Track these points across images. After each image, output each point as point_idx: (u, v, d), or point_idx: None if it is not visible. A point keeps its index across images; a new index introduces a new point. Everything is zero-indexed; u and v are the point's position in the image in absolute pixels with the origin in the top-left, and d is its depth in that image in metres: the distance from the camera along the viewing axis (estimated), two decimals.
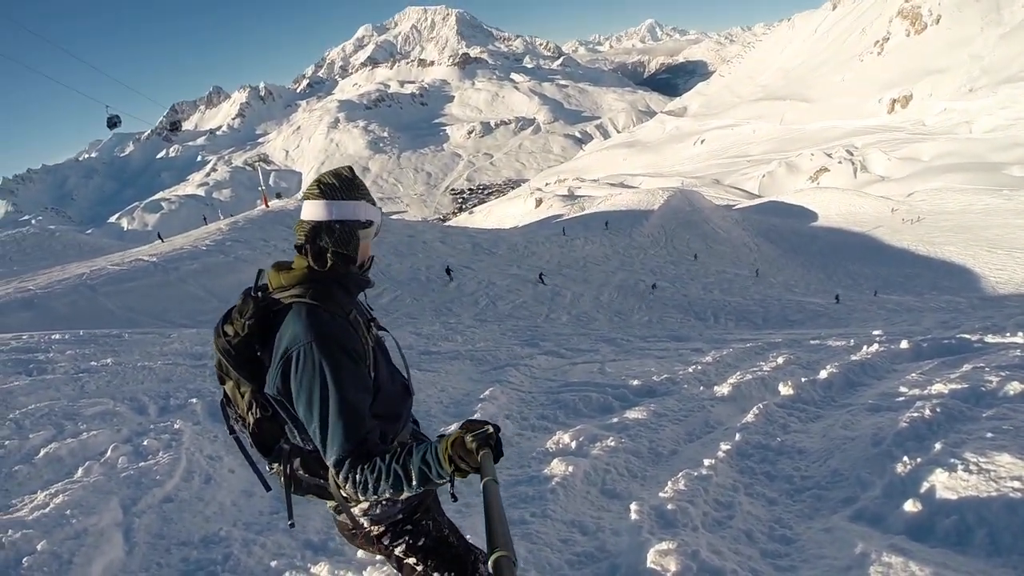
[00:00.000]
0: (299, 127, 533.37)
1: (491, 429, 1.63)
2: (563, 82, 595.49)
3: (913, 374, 6.69)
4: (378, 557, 3.30)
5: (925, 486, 3.45)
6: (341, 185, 1.90)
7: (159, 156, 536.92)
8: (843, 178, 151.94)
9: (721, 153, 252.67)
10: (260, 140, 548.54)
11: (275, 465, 1.99)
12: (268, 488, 2.10)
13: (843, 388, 6.69)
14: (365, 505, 1.96)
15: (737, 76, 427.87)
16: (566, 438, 5.20)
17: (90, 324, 15.85)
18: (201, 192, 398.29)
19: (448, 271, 33.41)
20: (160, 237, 40.74)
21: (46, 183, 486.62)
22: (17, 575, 3.32)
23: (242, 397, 1.94)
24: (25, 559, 3.39)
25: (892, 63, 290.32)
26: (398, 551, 2.02)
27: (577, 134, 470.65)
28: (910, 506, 3.31)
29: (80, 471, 4.70)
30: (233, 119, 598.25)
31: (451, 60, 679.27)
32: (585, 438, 5.15)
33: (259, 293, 1.93)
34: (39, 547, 3.49)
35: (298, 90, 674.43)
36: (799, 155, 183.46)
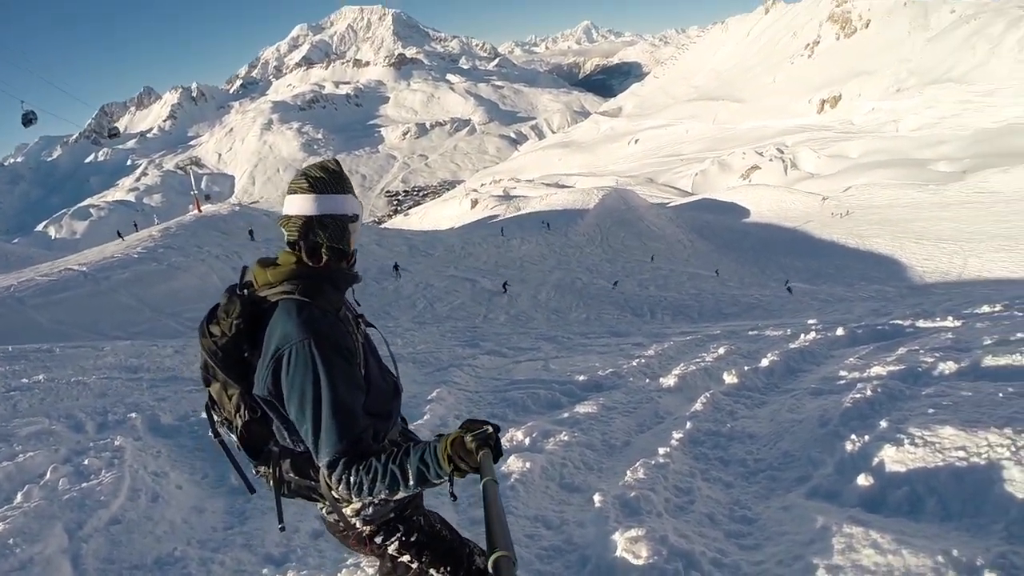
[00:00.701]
0: (232, 129, 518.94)
1: (490, 429, 1.63)
2: (499, 83, 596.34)
3: (851, 359, 6.98)
4: (349, 561, 3.25)
5: (875, 461, 3.59)
6: (330, 178, 1.84)
7: (87, 160, 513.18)
8: (774, 176, 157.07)
9: (655, 152, 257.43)
10: (192, 143, 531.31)
11: (262, 468, 1.93)
12: (252, 491, 2.06)
13: (785, 375, 6.91)
14: (357, 505, 1.91)
15: (671, 77, 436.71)
16: (519, 435, 5.20)
17: (19, 339, 15.20)
18: (131, 198, 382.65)
19: (396, 267, 33.93)
20: (120, 235, 39.40)
21: None
22: None
23: (229, 399, 1.88)
24: None
25: (822, 65, 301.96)
26: (391, 549, 1.99)
27: (512, 135, 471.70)
28: (862, 480, 3.43)
29: (19, 496, 4.44)
30: (164, 121, 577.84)
31: (387, 61, 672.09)
32: (538, 434, 5.16)
33: (245, 291, 1.87)
34: None
35: (231, 91, 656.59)
36: (731, 154, 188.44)
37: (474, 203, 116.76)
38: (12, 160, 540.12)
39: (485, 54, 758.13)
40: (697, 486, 3.91)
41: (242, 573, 3.49)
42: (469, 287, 32.79)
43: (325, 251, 1.82)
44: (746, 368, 6.93)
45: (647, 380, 7.24)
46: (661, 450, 4.44)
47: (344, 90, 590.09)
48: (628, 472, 4.07)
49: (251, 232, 36.90)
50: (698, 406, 5.63)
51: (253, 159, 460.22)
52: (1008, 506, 2.91)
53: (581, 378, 7.48)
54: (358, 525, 1.95)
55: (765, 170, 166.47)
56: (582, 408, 5.94)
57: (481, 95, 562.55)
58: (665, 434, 4.96)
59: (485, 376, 8.34)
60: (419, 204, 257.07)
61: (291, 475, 1.89)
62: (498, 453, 1.62)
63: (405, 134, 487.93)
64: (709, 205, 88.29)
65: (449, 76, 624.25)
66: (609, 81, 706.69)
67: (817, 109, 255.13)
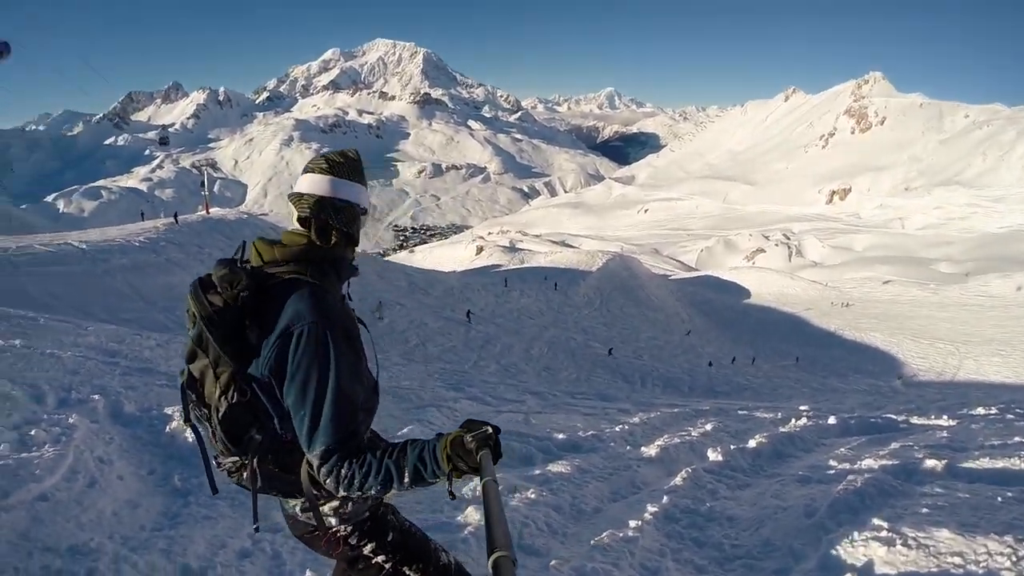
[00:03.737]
0: (252, 139, 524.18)
1: (490, 430, 1.63)
2: (518, 136, 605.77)
3: (842, 449, 6.75)
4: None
5: (862, 560, 3.35)
6: (348, 165, 1.87)
7: (107, 142, 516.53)
8: (778, 260, 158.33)
9: (663, 224, 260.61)
10: (212, 145, 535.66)
11: (229, 461, 1.83)
12: (215, 491, 2.01)
13: (772, 458, 6.66)
14: (335, 503, 1.89)
15: (687, 152, 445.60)
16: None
17: (5, 302, 14.94)
18: (144, 187, 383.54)
19: (380, 306, 33.03)
20: (176, 219, 38.44)
21: None
22: None
23: (217, 379, 1.75)
24: None
25: (835, 157, 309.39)
26: (367, 550, 1.97)
27: (525, 188, 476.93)
28: None
29: None
30: (188, 118, 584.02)
31: (412, 98, 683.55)
32: (504, 488, 4.88)
33: (245, 265, 1.80)
34: None
35: (257, 101, 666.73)
36: (738, 234, 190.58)
37: (479, 250, 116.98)
38: (33, 127, 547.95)
39: (508, 106, 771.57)
40: (666, 567, 3.63)
41: None
42: (463, 331, 32.74)
43: (335, 234, 1.83)
44: (732, 447, 6.69)
45: (628, 447, 6.99)
46: (632, 523, 4.16)
47: (367, 120, 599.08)
48: (592, 540, 3.82)
49: None
50: (678, 480, 5.35)
51: (268, 172, 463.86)
52: None
53: (560, 436, 7.23)
54: (334, 524, 1.91)
55: (769, 254, 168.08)
56: (556, 467, 5.68)
57: (499, 145, 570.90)
58: (639, 506, 4.70)
59: (462, 420, 8.07)
60: (425, 243, 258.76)
61: (271, 467, 1.82)
62: (498, 454, 1.61)
63: (420, 172, 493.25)
64: (711, 282, 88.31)
65: (471, 122, 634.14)
66: (626, 149, 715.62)
67: (826, 199, 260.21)
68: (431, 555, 2.07)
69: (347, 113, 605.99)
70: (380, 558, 1.98)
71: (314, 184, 1.83)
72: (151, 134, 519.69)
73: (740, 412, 11.35)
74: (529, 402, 10.92)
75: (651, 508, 4.51)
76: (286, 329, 1.66)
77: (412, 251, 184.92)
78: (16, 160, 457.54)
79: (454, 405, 8.95)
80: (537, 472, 5.52)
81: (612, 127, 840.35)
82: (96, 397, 6.06)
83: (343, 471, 1.62)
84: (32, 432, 4.93)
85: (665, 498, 4.76)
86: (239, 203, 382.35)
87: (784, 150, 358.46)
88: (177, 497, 4.33)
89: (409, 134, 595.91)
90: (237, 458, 1.81)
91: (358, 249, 2.02)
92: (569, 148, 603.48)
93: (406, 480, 1.62)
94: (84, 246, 26.91)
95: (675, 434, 7.62)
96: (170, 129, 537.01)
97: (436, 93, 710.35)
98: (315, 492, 1.79)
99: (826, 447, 7.24)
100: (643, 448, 6.74)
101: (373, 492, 1.64)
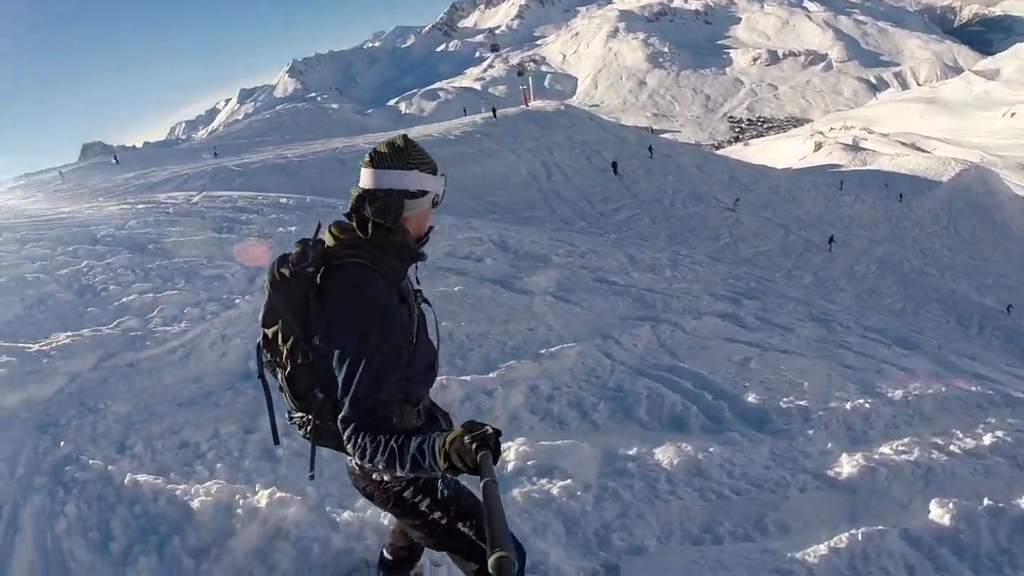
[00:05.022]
0: (578, 33, 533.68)
1: (490, 431, 1.63)
2: (862, 18, 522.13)
3: None
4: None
5: None
6: (390, 153, 1.94)
7: (439, 49, 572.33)
8: None
9: None
10: (538, 42, 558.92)
11: (298, 416, 2.03)
12: (277, 442, 2.18)
13: None
14: None
15: None
16: (511, 454, 3.55)
17: (330, 195, 17.46)
18: (477, 86, 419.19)
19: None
20: (494, 113, 42.84)
21: (331, 67, 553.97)
22: None
23: (284, 342, 1.96)
24: None
25: None
26: (423, 506, 2.08)
27: (872, 79, 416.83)
28: None
29: (116, 320, 5.11)
30: (512, 20, 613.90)
31: None
32: (535, 464, 3.42)
33: (317, 246, 1.97)
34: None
35: None
36: None
37: (818, 146, 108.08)
38: (370, 44, 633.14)
39: None
40: None
41: (114, 462, 3.34)
42: (781, 235, 30.73)
43: (371, 226, 1.91)
44: (981, 505, 3.41)
45: (829, 444, 4.19)
46: None
47: (693, 5, 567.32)
48: None
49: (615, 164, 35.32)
50: (824, 547, 2.97)
51: (598, 64, 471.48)
52: None
53: (752, 398, 4.88)
54: (385, 478, 2.03)
55: None
56: (667, 452, 3.75)
57: (841, 29, 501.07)
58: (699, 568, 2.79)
59: (668, 345, 6.38)
60: (762, 135, 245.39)
61: (331, 423, 1.92)
62: (496, 454, 1.61)
63: (755, 59, 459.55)
64: None
65: (807, 2, 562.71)
66: (988, 35, 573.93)
67: None
68: (481, 511, 2.03)
69: (671, 0, 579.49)
70: (436, 514, 2.08)
71: (362, 179, 1.94)
72: (479, 38, 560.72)
73: None
74: (799, 333, 8.06)
75: None
76: (334, 303, 1.83)
77: (747, 144, 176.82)
78: (358, 74, 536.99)
79: (694, 322, 7.27)
80: (633, 451, 3.78)
81: (971, 7, 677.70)
82: None
83: (358, 440, 1.74)
84: (187, 310, 5.42)
85: None
86: (569, 96, 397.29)
87: None
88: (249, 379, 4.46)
89: (740, 18, 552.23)
90: (303, 414, 1.99)
91: (431, 233, 2.11)
92: (921, 32, 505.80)
93: (406, 467, 1.68)
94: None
95: (925, 439, 4.28)
96: (496, 31, 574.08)
97: None
98: None
99: None
100: (847, 456, 3.96)
101: (381, 468, 1.74)
